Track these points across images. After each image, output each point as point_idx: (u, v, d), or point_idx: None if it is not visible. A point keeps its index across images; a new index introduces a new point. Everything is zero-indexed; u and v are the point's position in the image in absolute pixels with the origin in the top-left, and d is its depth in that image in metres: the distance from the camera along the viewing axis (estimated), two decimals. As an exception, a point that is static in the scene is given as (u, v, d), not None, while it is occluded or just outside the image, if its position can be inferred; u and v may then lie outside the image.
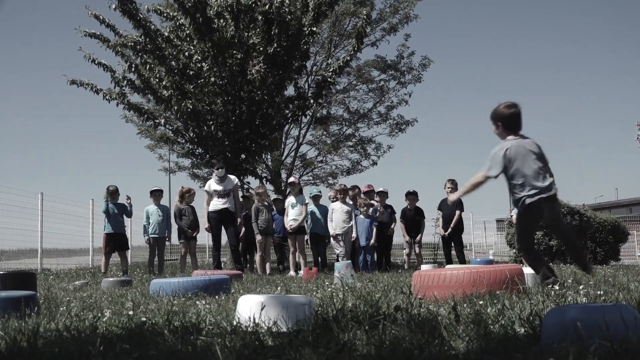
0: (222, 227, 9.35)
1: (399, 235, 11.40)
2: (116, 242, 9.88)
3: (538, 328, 2.27)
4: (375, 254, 10.19)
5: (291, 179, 10.30)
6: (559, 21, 72.69)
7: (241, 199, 10.43)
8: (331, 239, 9.75)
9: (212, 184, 9.29)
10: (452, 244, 10.20)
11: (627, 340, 1.86)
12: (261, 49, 10.78)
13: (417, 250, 10.50)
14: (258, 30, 10.87)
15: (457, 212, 10.01)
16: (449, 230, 9.99)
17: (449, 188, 10.16)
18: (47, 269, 12.52)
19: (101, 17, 10.90)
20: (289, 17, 10.79)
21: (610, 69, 73.28)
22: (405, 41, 16.97)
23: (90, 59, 10.87)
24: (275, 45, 10.75)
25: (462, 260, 10.02)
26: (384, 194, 10.60)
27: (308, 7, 11.04)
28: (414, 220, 10.43)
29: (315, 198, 10.08)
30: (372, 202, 10.23)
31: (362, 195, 10.37)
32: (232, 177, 9.46)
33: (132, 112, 12.65)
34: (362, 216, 9.83)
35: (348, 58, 12.00)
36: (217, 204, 9.17)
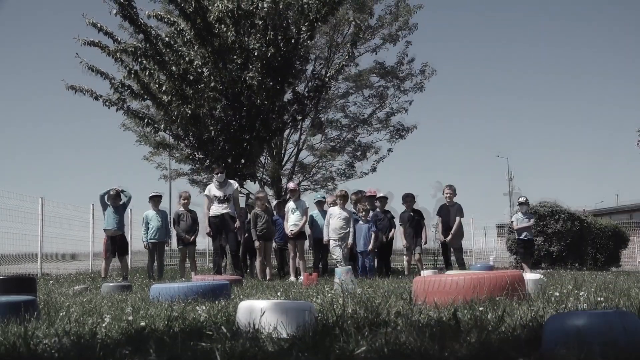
0: (223, 232, 9.34)
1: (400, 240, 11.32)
2: (118, 245, 9.87)
3: (539, 334, 2.27)
4: (375, 259, 10.15)
5: (291, 185, 10.28)
6: (560, 27, 72.90)
7: (244, 206, 10.46)
8: (330, 242, 9.73)
9: (212, 189, 9.27)
10: (452, 250, 10.18)
11: (627, 347, 1.86)
12: (259, 54, 10.82)
13: (417, 256, 10.43)
14: (258, 35, 10.91)
15: (457, 219, 9.99)
16: (450, 236, 9.95)
17: (447, 194, 10.13)
18: (47, 273, 12.50)
19: (99, 25, 10.91)
20: (286, 22, 10.91)
21: (611, 74, 73.44)
22: (405, 48, 16.97)
23: (87, 67, 10.86)
24: (272, 49, 10.81)
25: (462, 266, 10.00)
26: (384, 199, 10.58)
27: (306, 16, 11.13)
28: (412, 222, 10.35)
29: (319, 204, 10.10)
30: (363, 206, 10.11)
31: (364, 201, 10.31)
32: (232, 182, 9.45)
33: (131, 119, 12.67)
34: (361, 222, 9.80)
35: (344, 63, 12.13)
36: (217, 209, 9.15)
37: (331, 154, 17.11)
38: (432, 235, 14.44)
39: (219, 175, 9.21)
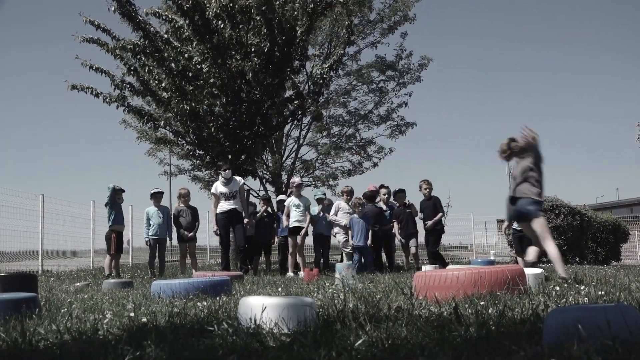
0: (231, 228, 9.36)
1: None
2: (121, 241, 9.97)
3: (539, 329, 2.27)
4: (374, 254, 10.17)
5: (297, 180, 10.19)
6: (559, 21, 72.78)
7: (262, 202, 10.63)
8: (335, 229, 9.96)
9: (219, 187, 9.29)
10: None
11: (629, 341, 1.86)
12: (256, 49, 10.81)
13: (413, 250, 10.44)
14: (256, 30, 10.90)
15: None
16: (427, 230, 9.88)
17: (425, 189, 10.02)
18: (48, 270, 12.53)
19: (96, 23, 10.86)
20: (284, 17, 10.91)
21: (611, 69, 73.35)
22: (402, 40, 16.88)
23: (87, 66, 10.83)
24: (268, 43, 10.79)
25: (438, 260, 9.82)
26: (386, 193, 10.72)
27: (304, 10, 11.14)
28: (405, 216, 10.35)
29: (319, 201, 10.21)
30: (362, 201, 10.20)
31: (379, 194, 10.51)
32: (237, 178, 9.50)
33: (131, 115, 12.65)
34: (356, 216, 9.82)
35: (342, 52, 12.21)
36: (224, 205, 9.20)
37: (335, 152, 17.04)
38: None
39: (226, 172, 9.23)
